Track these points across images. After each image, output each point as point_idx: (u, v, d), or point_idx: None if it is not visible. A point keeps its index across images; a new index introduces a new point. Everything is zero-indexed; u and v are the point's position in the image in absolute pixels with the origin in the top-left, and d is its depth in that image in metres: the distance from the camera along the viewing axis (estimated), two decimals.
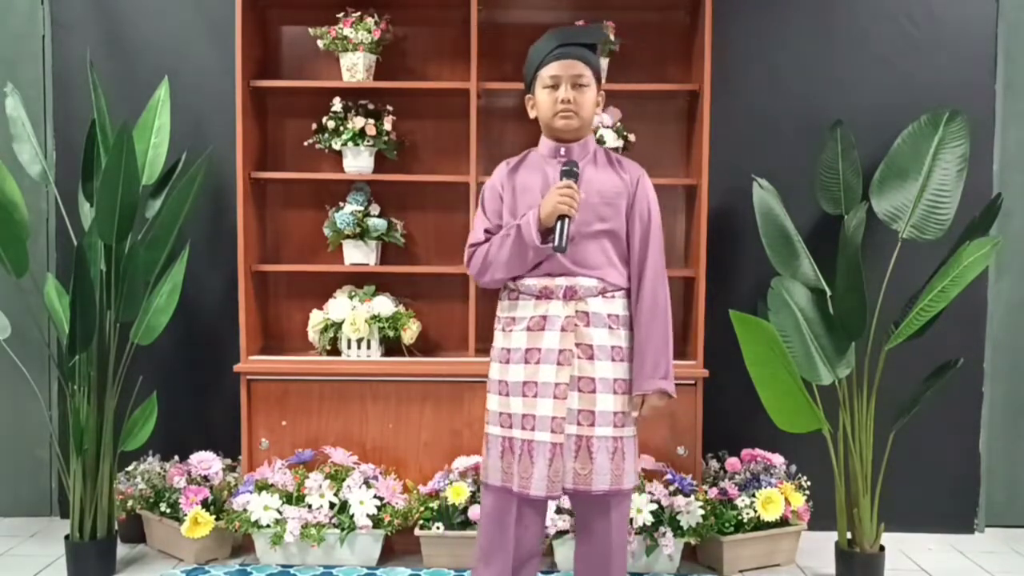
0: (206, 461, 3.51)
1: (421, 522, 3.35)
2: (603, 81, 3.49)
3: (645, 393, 2.56)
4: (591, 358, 2.53)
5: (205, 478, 3.49)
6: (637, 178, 2.63)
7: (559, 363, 2.51)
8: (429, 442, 3.53)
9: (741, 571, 3.38)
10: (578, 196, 2.46)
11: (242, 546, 3.50)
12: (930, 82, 3.71)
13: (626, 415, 2.56)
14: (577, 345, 2.53)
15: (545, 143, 2.64)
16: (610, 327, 2.56)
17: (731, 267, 3.74)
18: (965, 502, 3.85)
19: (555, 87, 2.54)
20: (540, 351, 2.53)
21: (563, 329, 2.52)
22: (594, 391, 2.52)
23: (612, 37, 3.53)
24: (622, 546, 2.62)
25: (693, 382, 3.47)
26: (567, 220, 2.44)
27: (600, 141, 3.47)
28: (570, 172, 2.50)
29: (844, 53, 3.75)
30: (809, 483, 3.50)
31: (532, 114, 2.65)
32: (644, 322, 2.57)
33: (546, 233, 2.49)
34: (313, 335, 3.59)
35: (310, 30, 3.60)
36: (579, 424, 2.51)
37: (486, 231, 2.63)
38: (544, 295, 2.55)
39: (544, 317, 2.54)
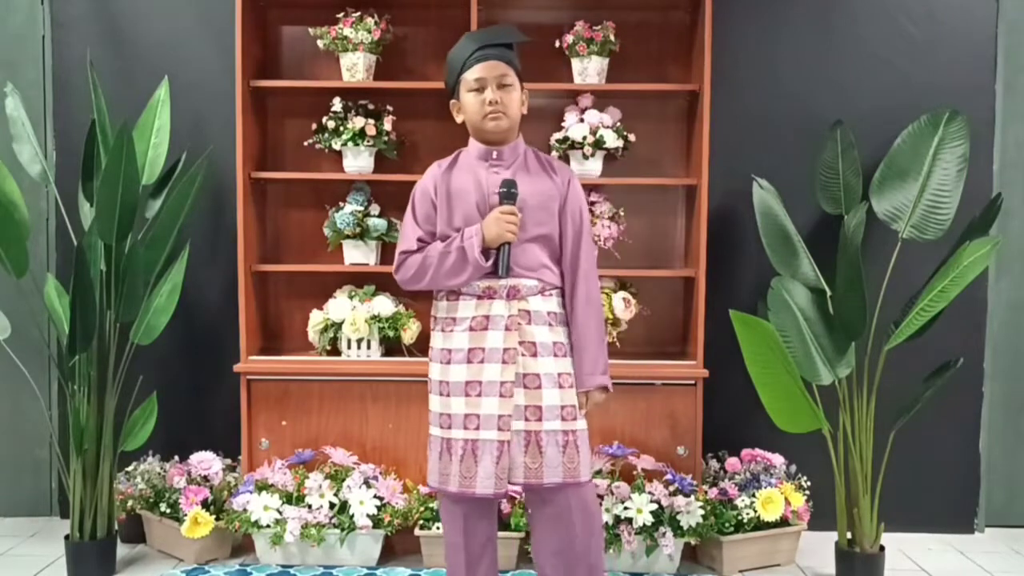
0: (206, 461, 3.51)
1: (421, 522, 3.35)
2: (598, 78, 3.54)
3: (588, 390, 2.61)
4: (535, 355, 2.56)
5: (205, 478, 3.49)
6: (568, 179, 2.66)
7: (504, 361, 2.54)
8: None
9: (741, 571, 3.38)
10: (519, 220, 2.52)
11: (242, 546, 3.51)
12: (930, 82, 3.71)
13: (575, 408, 2.58)
14: (520, 343, 2.56)
15: (475, 146, 2.65)
16: (549, 324, 2.59)
17: (731, 267, 3.74)
18: (965, 502, 3.85)
19: (480, 90, 2.55)
20: (484, 350, 2.55)
21: (507, 328, 2.55)
22: (539, 386, 2.55)
23: (612, 37, 3.54)
24: (590, 533, 2.59)
25: (693, 382, 3.47)
26: (508, 246, 2.52)
27: (600, 141, 3.47)
28: (509, 194, 2.53)
29: (844, 53, 3.75)
30: (809, 483, 3.50)
31: (459, 119, 2.66)
32: (580, 321, 2.61)
33: (487, 254, 2.53)
34: (313, 335, 3.59)
35: (310, 30, 3.60)
36: (527, 420, 2.54)
37: (419, 239, 2.63)
38: (487, 295, 2.58)
39: (487, 316, 2.56)
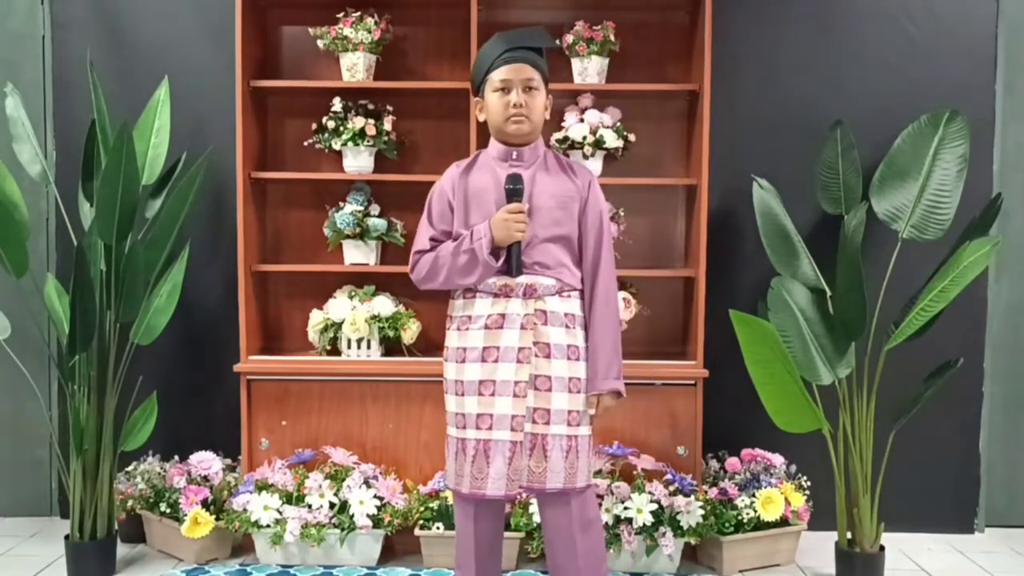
0: (206, 461, 3.51)
1: (421, 522, 3.35)
2: (598, 77, 3.55)
3: (600, 393, 2.59)
4: (548, 356, 2.55)
5: (205, 478, 3.48)
6: (588, 182, 2.66)
7: (519, 361, 2.53)
8: (429, 442, 3.53)
9: (741, 571, 3.38)
10: (527, 218, 2.51)
11: (242, 546, 3.51)
12: (930, 82, 3.71)
13: (581, 414, 2.58)
14: (535, 343, 2.55)
15: (495, 146, 2.66)
16: (567, 326, 2.58)
17: (731, 267, 3.74)
18: (965, 502, 3.85)
19: (505, 91, 2.55)
20: (499, 349, 2.55)
21: (523, 327, 2.54)
22: (550, 389, 2.55)
23: (612, 37, 3.54)
24: (591, 539, 2.60)
25: (693, 382, 3.47)
26: (519, 245, 2.52)
27: (600, 141, 3.47)
28: (515, 191, 2.53)
29: (844, 53, 3.74)
30: (809, 483, 3.50)
31: (481, 117, 2.67)
32: (597, 323, 2.60)
33: (496, 254, 2.53)
34: (313, 335, 3.59)
35: (310, 30, 3.60)
36: (534, 422, 2.54)
37: (432, 239, 2.64)
38: (504, 293, 2.57)
39: (503, 315, 2.56)
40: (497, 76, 2.56)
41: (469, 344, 2.59)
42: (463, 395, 2.58)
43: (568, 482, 2.54)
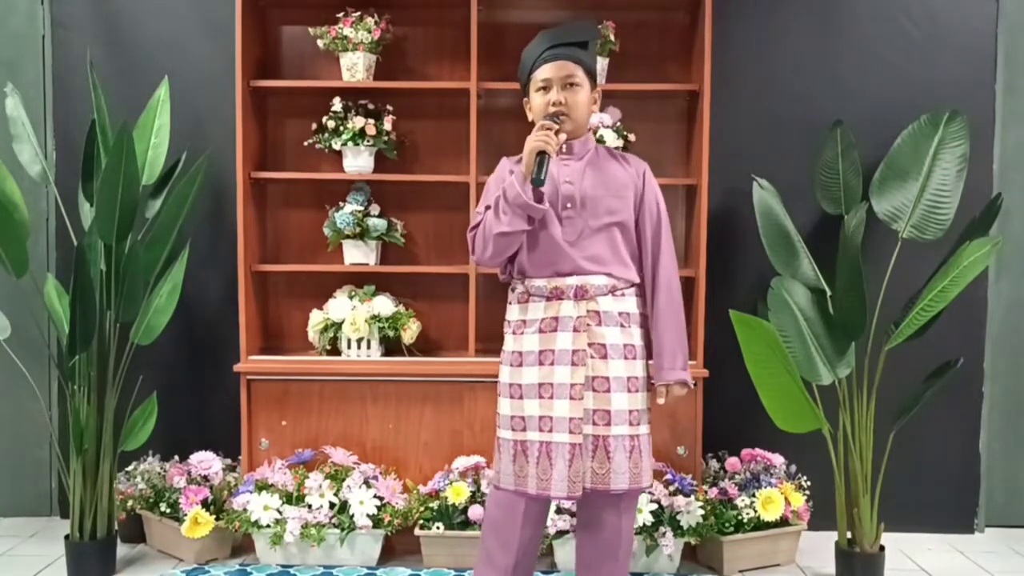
0: (206, 461, 3.51)
1: (421, 522, 3.35)
2: (598, 77, 3.52)
3: (668, 384, 2.60)
4: (604, 357, 2.54)
5: (205, 478, 3.48)
6: (643, 172, 2.66)
7: (573, 363, 2.52)
8: (429, 442, 3.53)
9: (741, 571, 3.38)
10: (555, 137, 2.46)
11: (242, 546, 3.50)
12: (930, 82, 3.71)
13: (641, 412, 2.57)
14: (590, 345, 2.53)
15: None
16: (622, 325, 2.57)
17: (731, 267, 3.75)
18: (965, 502, 3.85)
19: (547, 89, 2.55)
20: (554, 352, 2.53)
21: (575, 329, 2.53)
22: (608, 390, 2.53)
23: (612, 37, 3.53)
24: (631, 538, 2.65)
25: (693, 382, 3.46)
26: (546, 157, 2.44)
27: (599, 141, 3.47)
28: (551, 116, 2.50)
29: (844, 53, 3.75)
30: (809, 483, 3.50)
31: (530, 116, 2.66)
32: (661, 314, 2.60)
33: (532, 193, 2.47)
34: (313, 335, 3.59)
35: (310, 30, 3.60)
36: (595, 424, 2.52)
37: (487, 207, 2.59)
38: (555, 296, 2.56)
39: (556, 318, 2.55)
40: (539, 75, 2.56)
41: (525, 348, 2.57)
42: (521, 398, 2.56)
43: (634, 482, 2.54)
